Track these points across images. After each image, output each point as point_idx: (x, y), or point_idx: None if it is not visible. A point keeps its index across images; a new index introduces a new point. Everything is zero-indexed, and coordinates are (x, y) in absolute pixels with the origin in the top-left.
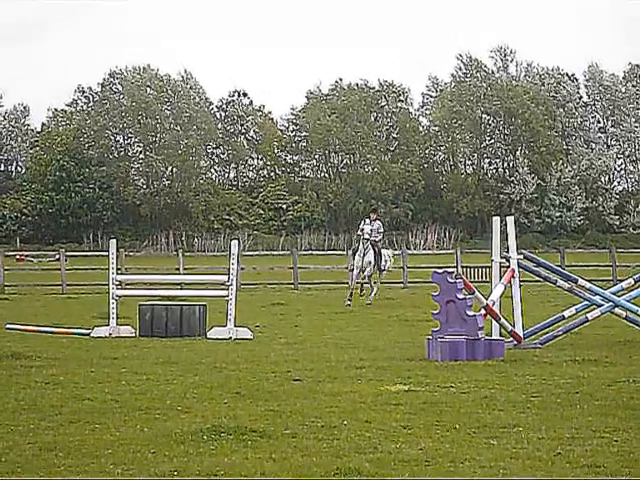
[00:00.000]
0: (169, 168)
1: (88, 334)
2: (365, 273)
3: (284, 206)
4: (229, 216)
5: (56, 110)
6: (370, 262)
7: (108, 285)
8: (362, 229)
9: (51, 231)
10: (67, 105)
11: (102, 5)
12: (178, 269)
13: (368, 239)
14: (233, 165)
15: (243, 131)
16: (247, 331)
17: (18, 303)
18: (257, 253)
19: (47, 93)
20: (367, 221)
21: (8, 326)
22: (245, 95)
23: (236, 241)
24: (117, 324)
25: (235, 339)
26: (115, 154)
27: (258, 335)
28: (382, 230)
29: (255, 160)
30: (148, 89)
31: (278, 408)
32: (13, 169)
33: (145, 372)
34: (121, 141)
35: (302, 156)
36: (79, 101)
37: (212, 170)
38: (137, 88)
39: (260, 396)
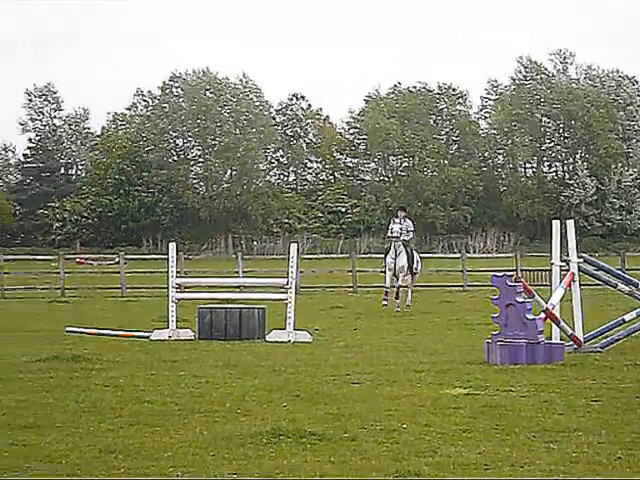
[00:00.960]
0: (228, 171)
1: (148, 337)
2: (400, 279)
3: (343, 209)
4: (288, 219)
5: (116, 114)
6: (404, 266)
7: (167, 288)
8: (391, 228)
9: (110, 234)
10: (127, 109)
11: (160, 10)
12: (237, 272)
13: (398, 237)
14: (292, 168)
15: (302, 134)
16: (306, 334)
17: (78, 306)
18: (316, 256)
19: (107, 97)
20: (396, 220)
21: (68, 329)
22: (303, 98)
23: (295, 244)
24: (176, 327)
25: (294, 342)
26: (174, 157)
27: (317, 338)
28: (412, 229)
29: (314, 163)
30: (207, 92)
31: (337, 411)
32: (73, 172)
33: (204, 375)
34: (180, 144)
35: (361, 159)
36: (139, 104)
37: (271, 173)
38: (197, 91)
39: (319, 399)
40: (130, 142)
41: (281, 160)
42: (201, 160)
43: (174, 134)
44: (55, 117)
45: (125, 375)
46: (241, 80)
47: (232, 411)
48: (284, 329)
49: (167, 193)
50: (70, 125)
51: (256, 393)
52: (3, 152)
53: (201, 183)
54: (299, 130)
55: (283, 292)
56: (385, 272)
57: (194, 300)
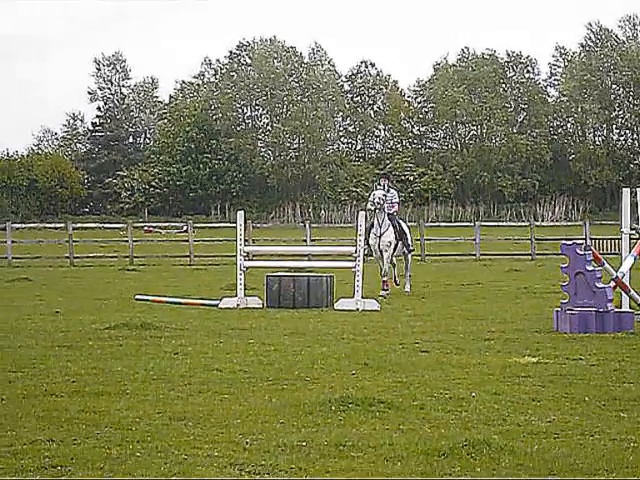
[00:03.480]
0: (296, 140)
1: (216, 305)
2: (386, 258)
3: (411, 178)
4: (356, 188)
5: (184, 82)
6: (390, 243)
7: (236, 256)
8: (373, 195)
9: (179, 203)
10: (195, 77)
11: None
12: (305, 240)
13: (380, 206)
14: (360, 136)
15: (370, 102)
16: (374, 302)
17: (146, 274)
18: None
19: (175, 65)
20: (379, 187)
21: (137, 297)
22: (373, 65)
23: (363, 212)
24: (245, 295)
25: (362, 310)
26: (243, 126)
27: (385, 307)
28: (397, 200)
29: (382, 131)
30: (276, 61)
31: (406, 379)
32: (142, 141)
33: (273, 343)
34: (249, 113)
35: (429, 127)
36: (206, 73)
37: (339, 142)
38: (265, 60)
39: (388, 367)
40: (198, 110)
41: (349, 128)
42: (269, 128)
43: (242, 102)
44: (123, 86)
45: (194, 343)
46: (312, 49)
47: (300, 379)
48: (352, 297)
49: (235, 161)
50: (138, 94)
51: (324, 361)
52: (72, 121)
53: (269, 151)
54: (367, 98)
55: (351, 260)
56: (372, 255)
57: (262, 268)
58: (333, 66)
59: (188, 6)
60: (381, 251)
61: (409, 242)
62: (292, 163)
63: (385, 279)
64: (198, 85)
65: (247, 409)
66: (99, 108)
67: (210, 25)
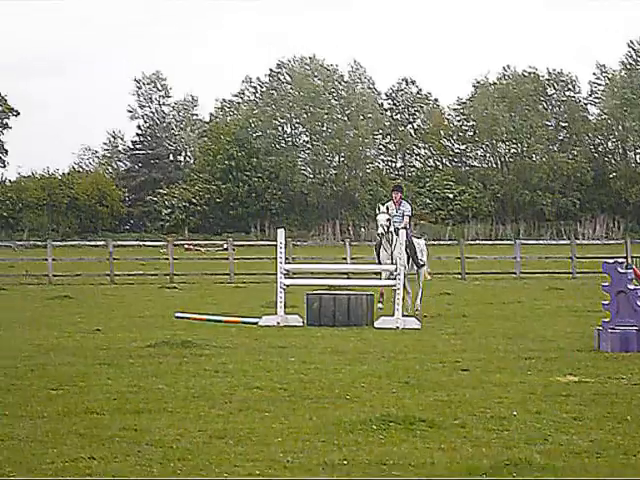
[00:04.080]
0: (336, 157)
1: (256, 323)
2: (401, 281)
3: (451, 195)
4: None
5: (224, 100)
6: (400, 257)
7: (276, 274)
8: (377, 220)
9: (219, 220)
10: (234, 95)
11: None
12: (345, 259)
13: (384, 234)
14: (400, 154)
15: (410, 120)
16: (415, 321)
17: (187, 292)
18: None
19: (215, 83)
20: (383, 208)
21: (178, 315)
22: (413, 83)
23: (404, 231)
24: (285, 313)
25: (403, 329)
26: (282, 143)
27: (425, 325)
28: (409, 213)
29: (422, 149)
30: (315, 79)
31: (447, 398)
32: (182, 159)
33: (313, 361)
34: (288, 131)
35: (469, 145)
36: (246, 91)
37: (379, 159)
38: (304, 78)
39: (428, 386)
40: (238, 128)
41: (389, 146)
42: (309, 146)
43: (282, 120)
44: (164, 104)
45: (234, 361)
46: (351, 66)
47: (341, 397)
48: (392, 315)
49: (275, 179)
50: (179, 112)
51: (365, 379)
52: (112, 139)
53: (309, 169)
54: (407, 115)
55: (391, 279)
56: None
57: (302, 286)
58: (373, 84)
59: (228, 25)
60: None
61: (418, 257)
62: (332, 181)
63: (383, 291)
64: (238, 103)
65: (288, 427)
66: (139, 126)
67: (250, 43)
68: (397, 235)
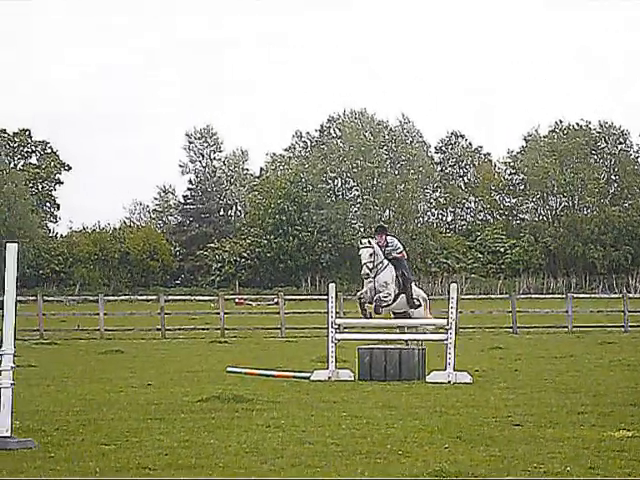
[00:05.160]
0: (386, 211)
1: (308, 377)
2: (382, 296)
3: (502, 249)
4: (446, 259)
5: (274, 154)
6: (387, 283)
7: (327, 328)
8: (360, 259)
9: (269, 274)
10: (285, 150)
11: (313, 53)
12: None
13: (368, 275)
14: (450, 208)
15: (460, 174)
16: (466, 375)
17: (238, 347)
18: (475, 296)
19: (265, 138)
20: (368, 245)
21: (229, 369)
22: (462, 137)
23: (455, 284)
24: (336, 367)
25: (455, 383)
26: (333, 197)
27: (477, 379)
28: (400, 249)
29: (472, 203)
30: (366, 133)
31: (499, 453)
32: (232, 213)
33: (365, 416)
34: (339, 185)
35: (519, 199)
36: (297, 145)
37: (429, 213)
38: (355, 132)
39: (481, 441)
40: (289, 183)
41: (439, 200)
42: (359, 200)
43: (332, 174)
44: (214, 159)
45: (286, 416)
46: (400, 121)
47: (393, 452)
48: (444, 370)
49: (326, 233)
50: (229, 166)
51: (417, 434)
52: (163, 193)
53: (359, 223)
54: (457, 169)
55: (443, 333)
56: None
57: (353, 341)
58: (422, 137)
59: (277, 80)
60: (376, 291)
61: (412, 299)
62: None
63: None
64: (289, 157)
65: None
66: (190, 181)
67: (300, 99)
68: (390, 264)
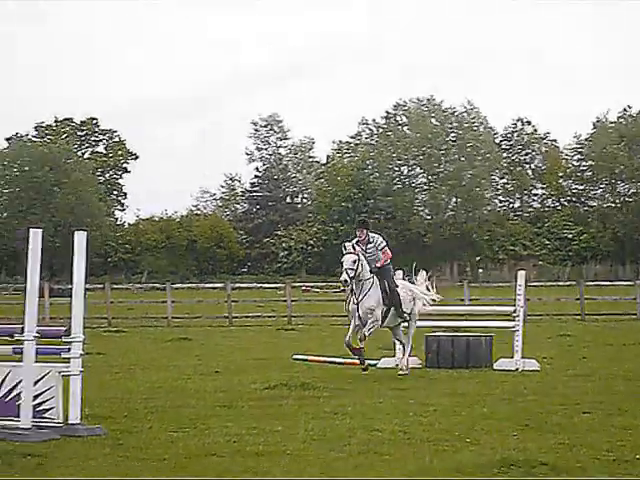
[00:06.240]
0: (453, 199)
1: (375, 365)
2: (368, 327)
3: (569, 236)
4: (513, 246)
5: (340, 142)
6: (372, 309)
7: None
8: (341, 263)
9: (336, 262)
10: (351, 137)
11: (387, 40)
12: (463, 300)
13: (347, 282)
14: (517, 195)
15: (527, 160)
16: (534, 362)
17: (305, 334)
18: (542, 283)
19: (331, 125)
20: (349, 246)
21: (295, 357)
22: (529, 123)
23: (523, 272)
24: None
25: (522, 371)
26: (399, 185)
27: (545, 367)
28: (383, 246)
29: (539, 190)
30: (432, 120)
31: (568, 441)
32: (299, 201)
33: (432, 403)
34: (405, 172)
35: (587, 185)
36: (363, 133)
37: (496, 200)
38: (421, 119)
39: (549, 428)
40: (355, 170)
41: (506, 187)
42: (426, 187)
43: (399, 162)
44: (281, 146)
45: (353, 403)
46: (465, 107)
47: (461, 440)
48: (512, 357)
49: (392, 220)
50: (295, 154)
51: (485, 422)
52: (230, 182)
53: (426, 210)
54: (524, 156)
55: (510, 320)
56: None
57: (421, 328)
58: (488, 124)
59: (344, 67)
60: (362, 319)
61: (399, 307)
62: (449, 222)
63: (349, 342)
64: (356, 144)
65: (408, 471)
66: (257, 169)
67: (366, 85)
68: (374, 279)
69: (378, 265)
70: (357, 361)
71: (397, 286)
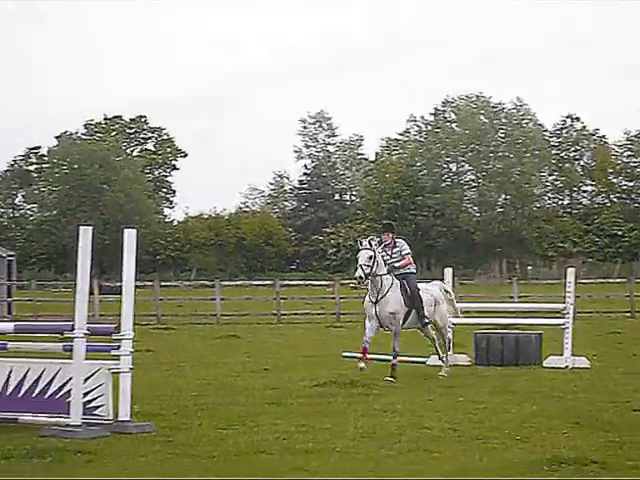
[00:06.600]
0: (502, 196)
1: (424, 362)
2: (396, 342)
3: (619, 233)
4: (563, 243)
5: (389, 139)
6: (394, 313)
7: None
8: (358, 256)
9: None
10: (399, 134)
11: (425, 38)
12: (512, 297)
13: (361, 279)
14: (567, 192)
15: (577, 157)
16: (584, 360)
17: (354, 331)
18: (592, 281)
19: (380, 122)
20: (368, 246)
21: (345, 354)
22: (578, 120)
23: (572, 269)
24: (453, 352)
25: (572, 368)
26: (448, 182)
27: (595, 364)
28: (407, 252)
29: (589, 186)
30: (481, 117)
31: (618, 439)
32: (347, 198)
33: (482, 401)
34: (454, 169)
35: (638, 182)
36: (411, 130)
37: (545, 197)
38: (470, 116)
39: (599, 426)
40: (404, 167)
41: (555, 183)
42: (475, 184)
43: (447, 159)
44: (329, 144)
45: (403, 400)
46: (515, 104)
47: (511, 438)
48: (561, 355)
49: (441, 217)
50: (344, 151)
51: (535, 419)
52: (278, 179)
53: (475, 207)
54: (574, 152)
55: (560, 317)
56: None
57: (470, 325)
58: (538, 121)
59: (391, 65)
60: (381, 322)
61: (421, 310)
62: (498, 219)
63: (367, 346)
64: (404, 141)
65: (458, 469)
66: (305, 166)
67: (414, 82)
68: (392, 275)
69: (396, 265)
70: (406, 359)
71: (419, 289)
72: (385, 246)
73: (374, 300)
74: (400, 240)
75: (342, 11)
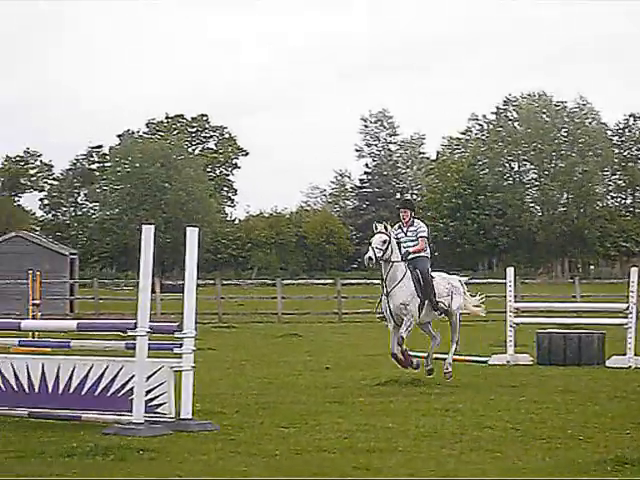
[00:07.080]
0: (564, 195)
1: (486, 362)
2: (405, 326)
3: None
4: (625, 243)
5: (451, 138)
6: (405, 304)
7: (505, 313)
8: (371, 240)
9: (446, 258)
10: (461, 133)
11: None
12: (574, 296)
13: (372, 260)
14: (630, 191)
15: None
16: None
17: (414, 330)
18: None
19: (441, 121)
20: (383, 230)
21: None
22: None
23: (635, 268)
24: (514, 352)
25: (635, 368)
26: (510, 181)
27: None
28: (426, 234)
29: None
30: (543, 115)
31: None
32: (409, 197)
33: (544, 400)
34: (516, 168)
35: None
36: (473, 129)
37: (608, 197)
38: (532, 115)
39: None
40: (465, 166)
41: (618, 183)
42: (537, 183)
43: (509, 158)
44: (391, 142)
45: (464, 400)
46: (577, 103)
47: (574, 438)
48: (624, 354)
49: (503, 216)
50: (405, 150)
51: (598, 420)
52: (340, 178)
53: (537, 207)
54: (636, 151)
55: (623, 317)
56: (385, 320)
57: (532, 325)
58: (601, 119)
59: (451, 64)
60: (394, 317)
61: (433, 297)
62: (561, 219)
63: (396, 353)
64: (465, 141)
65: (521, 468)
66: (367, 165)
67: (475, 81)
68: (405, 268)
69: (410, 250)
70: (466, 358)
71: (432, 277)
72: (402, 224)
73: (386, 292)
74: (418, 220)
75: (294, 16)
